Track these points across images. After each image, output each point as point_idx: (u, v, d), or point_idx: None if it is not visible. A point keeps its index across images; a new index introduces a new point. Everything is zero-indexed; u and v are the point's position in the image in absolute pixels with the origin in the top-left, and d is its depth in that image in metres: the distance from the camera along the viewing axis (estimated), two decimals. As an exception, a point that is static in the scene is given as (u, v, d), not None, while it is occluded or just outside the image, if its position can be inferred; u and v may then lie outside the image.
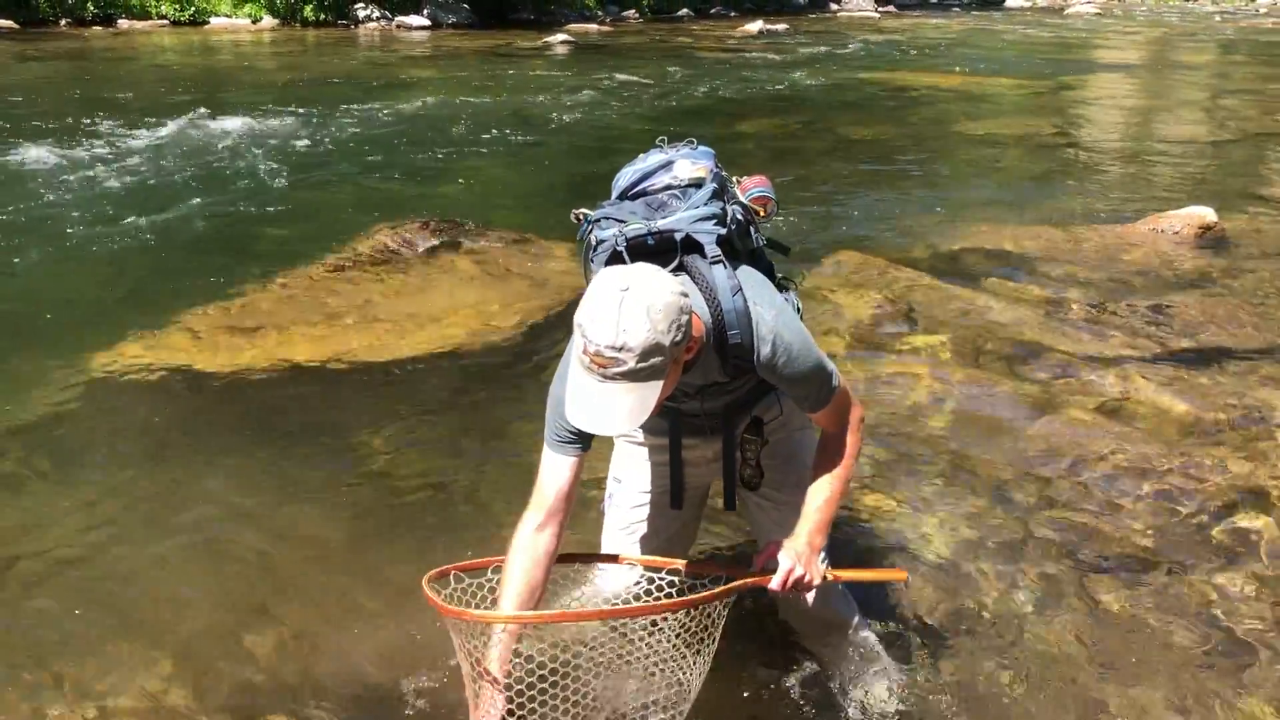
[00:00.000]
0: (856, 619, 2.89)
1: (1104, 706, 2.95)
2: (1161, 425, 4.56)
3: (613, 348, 2.02)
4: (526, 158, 11.02)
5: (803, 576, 2.35)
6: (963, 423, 4.60)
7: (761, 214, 2.62)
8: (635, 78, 17.45)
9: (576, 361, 2.10)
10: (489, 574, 2.43)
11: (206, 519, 3.84)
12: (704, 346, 2.28)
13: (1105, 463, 4.25)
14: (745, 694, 2.90)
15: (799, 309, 2.70)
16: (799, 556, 2.36)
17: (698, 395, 2.52)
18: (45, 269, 6.80)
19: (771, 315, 2.32)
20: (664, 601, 2.37)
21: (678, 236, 2.33)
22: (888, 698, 2.90)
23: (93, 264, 6.91)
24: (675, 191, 2.50)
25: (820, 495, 2.45)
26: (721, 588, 2.33)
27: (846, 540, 3.72)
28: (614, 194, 2.60)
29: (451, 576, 2.38)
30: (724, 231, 2.38)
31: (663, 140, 2.69)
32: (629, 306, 2.02)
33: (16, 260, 6.87)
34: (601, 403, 2.08)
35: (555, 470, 2.40)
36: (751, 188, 2.67)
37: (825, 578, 2.45)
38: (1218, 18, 45.65)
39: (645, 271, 2.12)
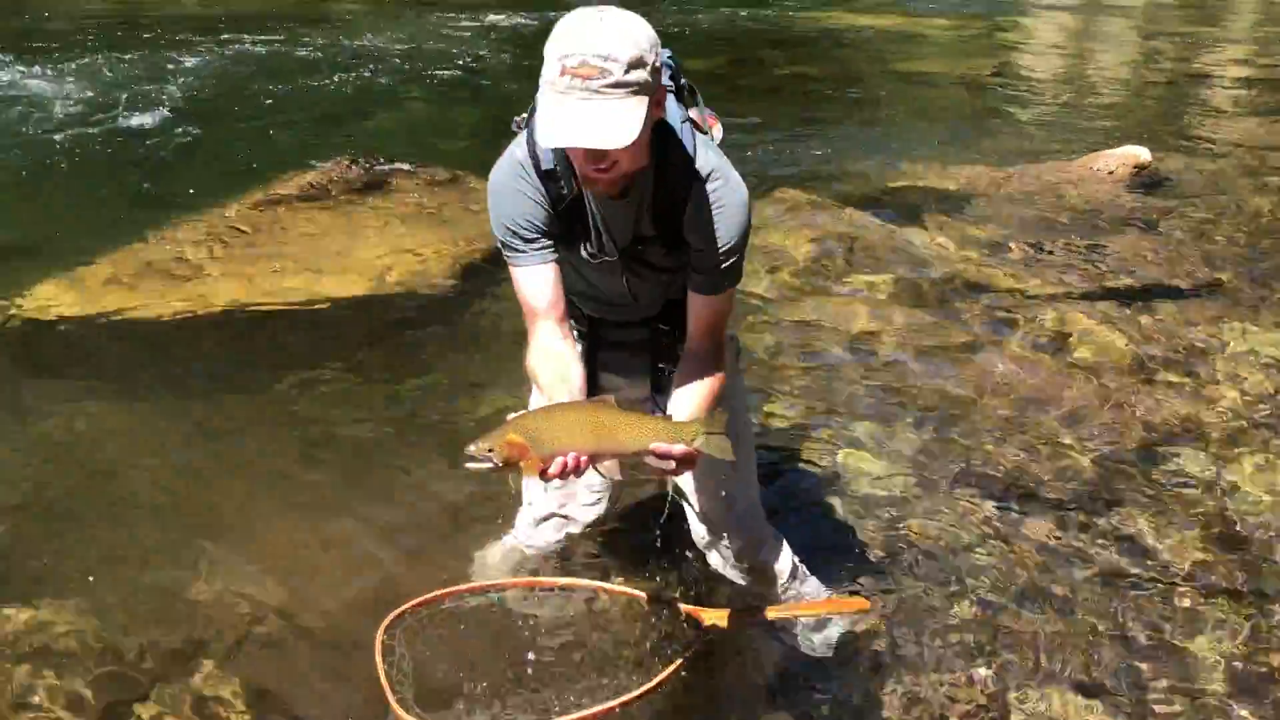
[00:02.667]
0: (790, 565, 2.80)
1: (1034, 640, 2.96)
2: (1100, 362, 4.57)
3: (599, 55, 1.93)
4: (457, 93, 10.73)
5: (670, 457, 2.11)
6: (902, 360, 4.56)
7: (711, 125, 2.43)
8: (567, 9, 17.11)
9: (550, 90, 1.97)
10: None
11: (126, 469, 3.70)
12: (646, 169, 2.17)
13: (1044, 399, 4.25)
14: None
15: None
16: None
17: (625, 272, 2.36)
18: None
19: (717, 157, 2.24)
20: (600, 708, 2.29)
21: None
22: (824, 647, 2.87)
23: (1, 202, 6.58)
24: None
25: (706, 399, 2.28)
26: (661, 677, 2.31)
27: (783, 470, 3.68)
28: None
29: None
30: (683, 82, 2.31)
31: None
32: (609, 22, 1.97)
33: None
34: (590, 117, 1.94)
35: (533, 281, 2.29)
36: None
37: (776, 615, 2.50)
38: (1149, -40, 46.01)
39: (617, 6, 2.05)
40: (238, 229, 5.99)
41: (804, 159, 8.21)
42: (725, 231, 2.22)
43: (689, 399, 2.26)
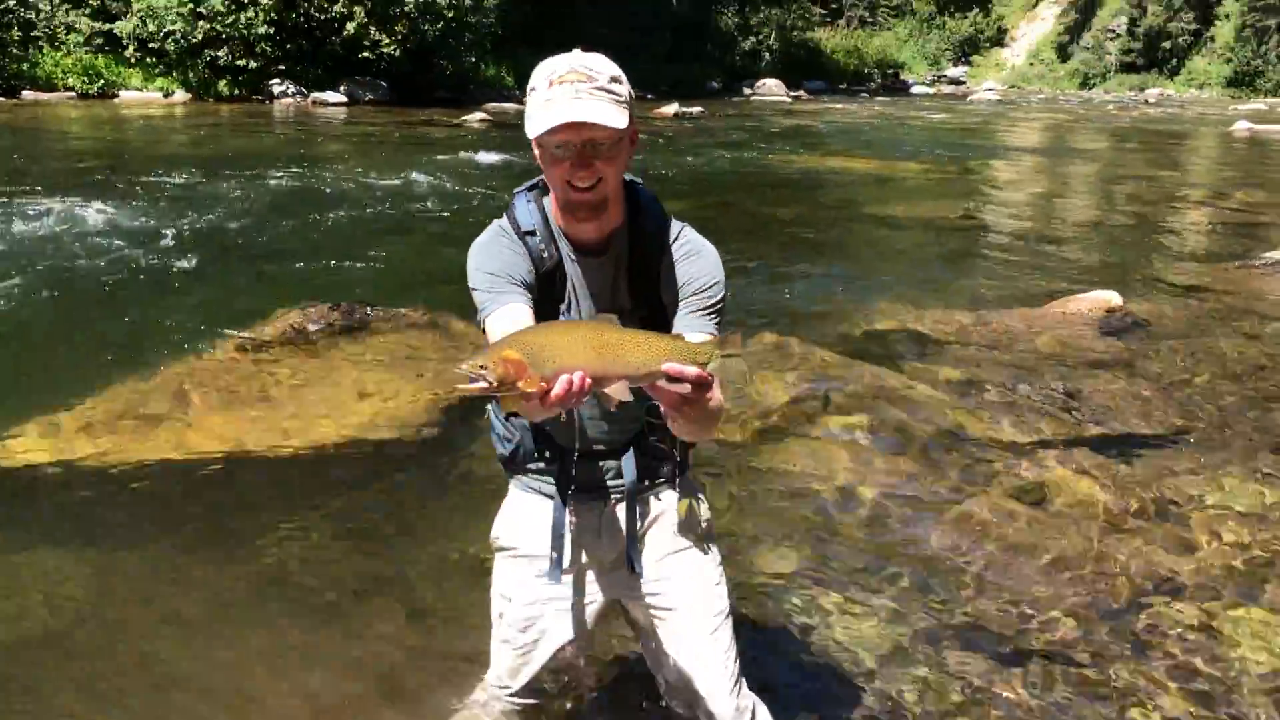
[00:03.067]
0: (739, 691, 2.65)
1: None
2: (1079, 512, 4.56)
3: (585, 66, 2.17)
4: (440, 237, 10.90)
5: (683, 379, 1.97)
6: (881, 508, 4.55)
7: None
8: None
9: (538, 98, 2.18)
10: None
11: (102, 621, 3.62)
12: (622, 226, 2.35)
13: (1023, 550, 4.22)
14: None
15: None
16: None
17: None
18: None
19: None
20: None
21: None
22: None
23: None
24: None
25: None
26: None
27: (764, 626, 3.61)
28: None
29: None
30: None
31: None
32: (587, 54, 2.22)
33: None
34: (581, 105, 2.14)
35: (514, 319, 2.22)
36: None
37: None
38: (1111, 106, 47.80)
39: None
40: (216, 374, 5.99)
41: (782, 301, 8.34)
42: (704, 269, 2.36)
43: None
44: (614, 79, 2.18)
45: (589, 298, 2.37)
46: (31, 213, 10.44)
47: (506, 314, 2.23)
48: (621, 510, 2.54)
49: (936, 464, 5.01)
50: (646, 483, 2.56)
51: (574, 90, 2.14)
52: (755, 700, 2.69)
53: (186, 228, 10.26)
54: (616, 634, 3.32)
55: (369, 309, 7.23)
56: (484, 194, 13.30)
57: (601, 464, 2.52)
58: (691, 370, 1.94)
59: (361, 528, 4.40)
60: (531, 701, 2.76)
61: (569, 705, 3.05)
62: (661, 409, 2.15)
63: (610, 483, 2.54)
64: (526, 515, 2.57)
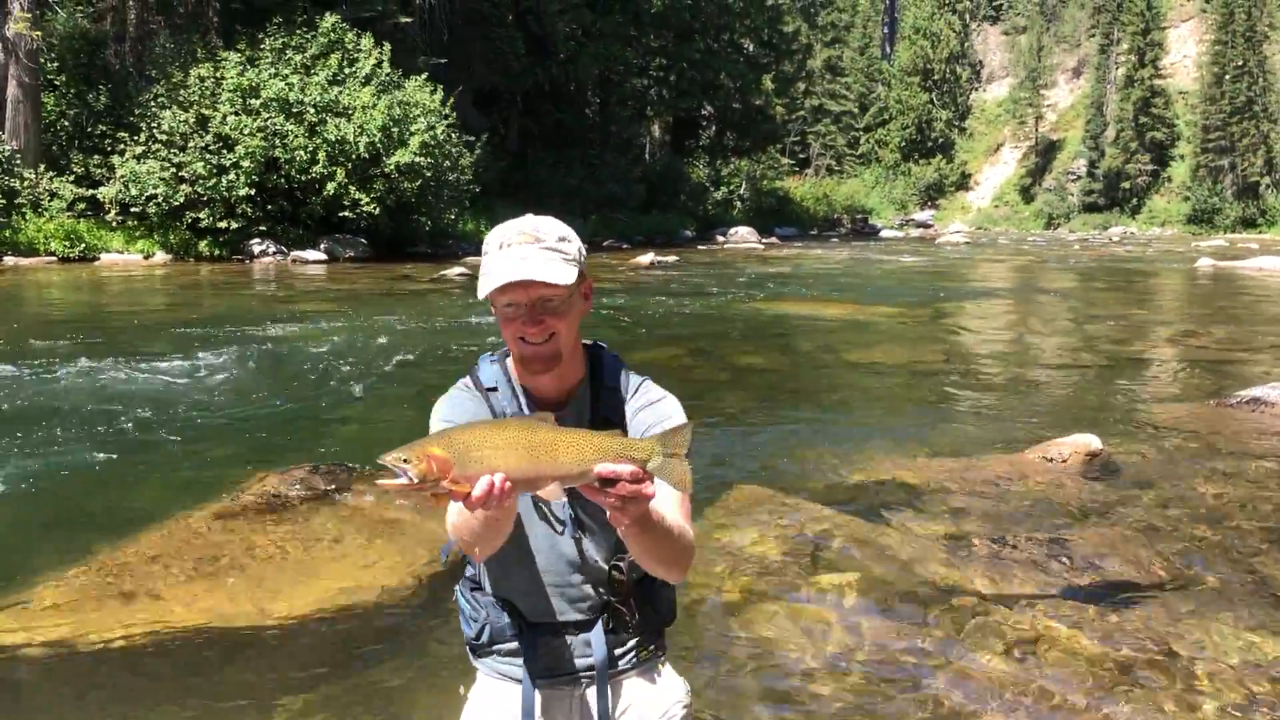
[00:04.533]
0: None
1: None
2: (1075, 666, 4.47)
3: (532, 229, 2.30)
4: (420, 395, 10.90)
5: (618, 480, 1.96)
6: (873, 673, 4.43)
7: None
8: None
9: (492, 258, 2.30)
10: None
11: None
12: (584, 380, 2.44)
13: (1019, 708, 4.11)
14: None
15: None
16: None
17: (570, 509, 2.38)
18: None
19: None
20: None
21: None
22: None
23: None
24: None
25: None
26: None
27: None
28: None
29: None
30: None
31: None
32: (538, 218, 2.36)
33: None
34: (529, 260, 2.25)
35: None
36: None
37: None
38: (1076, 245, 49.05)
39: None
40: (194, 543, 5.88)
41: (760, 452, 8.32)
42: (666, 413, 2.40)
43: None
44: (561, 239, 2.31)
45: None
46: (3, 380, 10.40)
47: None
48: (593, 694, 2.46)
49: (927, 621, 4.92)
50: (620, 663, 2.49)
51: (522, 252, 2.25)
52: None
53: (163, 392, 10.24)
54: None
55: (349, 469, 7.17)
56: (464, 347, 13.37)
57: (569, 640, 2.46)
58: (626, 468, 1.90)
59: (336, 706, 4.25)
60: None
61: None
62: (620, 533, 2.11)
63: (579, 661, 2.47)
64: (493, 704, 2.49)
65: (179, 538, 5.98)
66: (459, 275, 24.48)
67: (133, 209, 27.78)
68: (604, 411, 2.39)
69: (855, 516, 6.42)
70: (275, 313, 17.26)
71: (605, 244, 39.63)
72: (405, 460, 1.76)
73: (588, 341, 2.49)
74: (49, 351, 12.15)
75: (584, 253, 2.38)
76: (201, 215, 28.12)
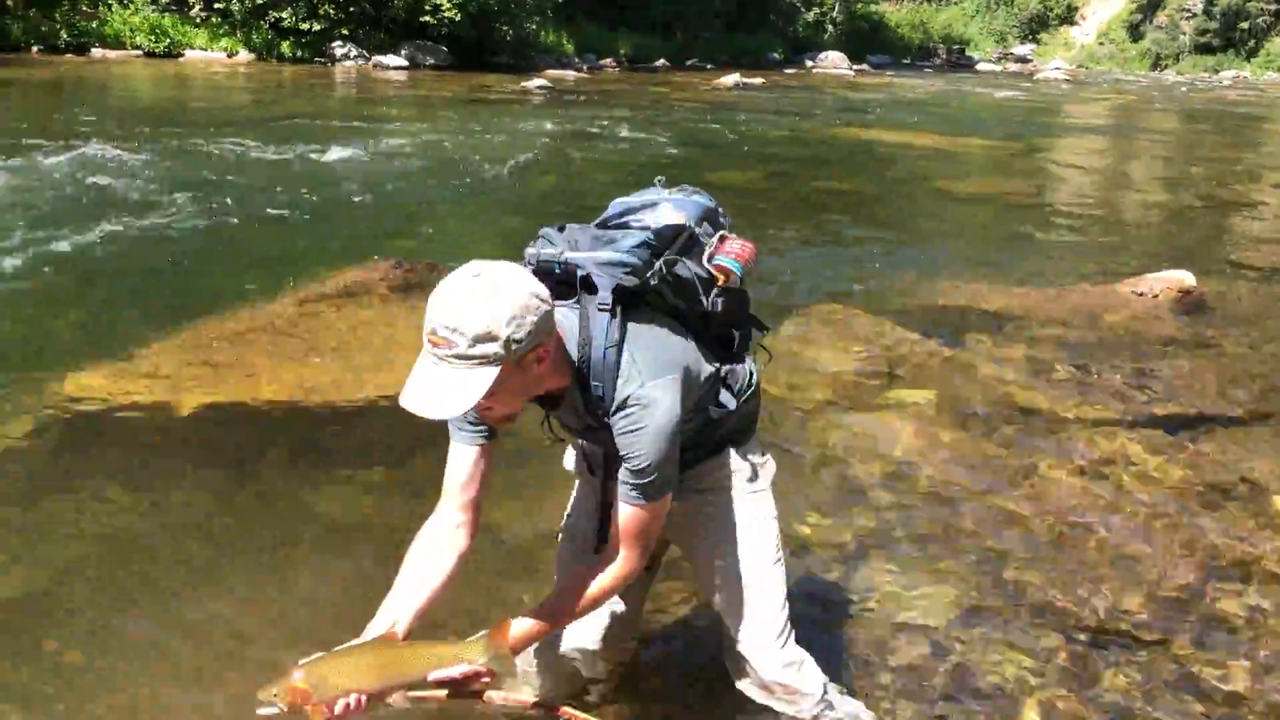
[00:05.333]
0: (819, 688, 2.64)
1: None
2: (1150, 490, 4.43)
3: (447, 327, 2.00)
4: (499, 201, 10.89)
5: (457, 680, 2.25)
6: (948, 482, 4.44)
7: (721, 280, 2.43)
8: (612, 125, 17.42)
9: (425, 343, 2.07)
10: None
11: (168, 564, 3.64)
12: (569, 387, 2.27)
13: (1093, 527, 4.10)
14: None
15: (753, 382, 2.57)
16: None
17: (581, 435, 2.44)
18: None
19: (646, 382, 2.20)
20: None
21: (579, 273, 2.26)
22: None
23: (48, 293, 6.67)
24: (645, 219, 2.43)
25: (550, 612, 2.37)
26: None
27: (821, 599, 3.54)
28: (596, 221, 2.52)
29: None
30: (634, 281, 2.25)
31: (660, 180, 2.61)
32: (474, 290, 2.02)
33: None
34: (428, 385, 2.04)
35: (455, 460, 2.38)
36: (721, 253, 2.48)
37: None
38: (1183, 87, 46.62)
39: (505, 267, 2.09)
40: (279, 325, 6.01)
41: (845, 273, 8.21)
42: (638, 447, 2.22)
43: (526, 619, 2.32)
44: (481, 337, 1.99)
45: (562, 419, 2.43)
46: (98, 166, 10.57)
47: (457, 451, 2.37)
48: None
49: (1004, 439, 4.90)
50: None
51: (424, 368, 2.05)
52: (804, 656, 2.63)
53: (251, 185, 10.33)
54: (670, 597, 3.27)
55: (430, 266, 7.22)
56: (542, 161, 13.26)
57: None
58: (458, 672, 2.20)
59: (410, 479, 4.38)
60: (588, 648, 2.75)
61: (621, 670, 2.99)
62: None
63: None
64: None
65: (264, 319, 6.11)
66: (539, 89, 24.07)
67: (216, 5, 27.54)
68: (595, 414, 2.29)
69: (934, 338, 6.35)
70: (357, 114, 17.21)
71: (689, 63, 38.61)
72: (275, 694, 2.07)
73: (575, 349, 2.24)
74: (139, 136, 12.28)
75: (525, 330, 2.03)
76: (284, 15, 27.81)
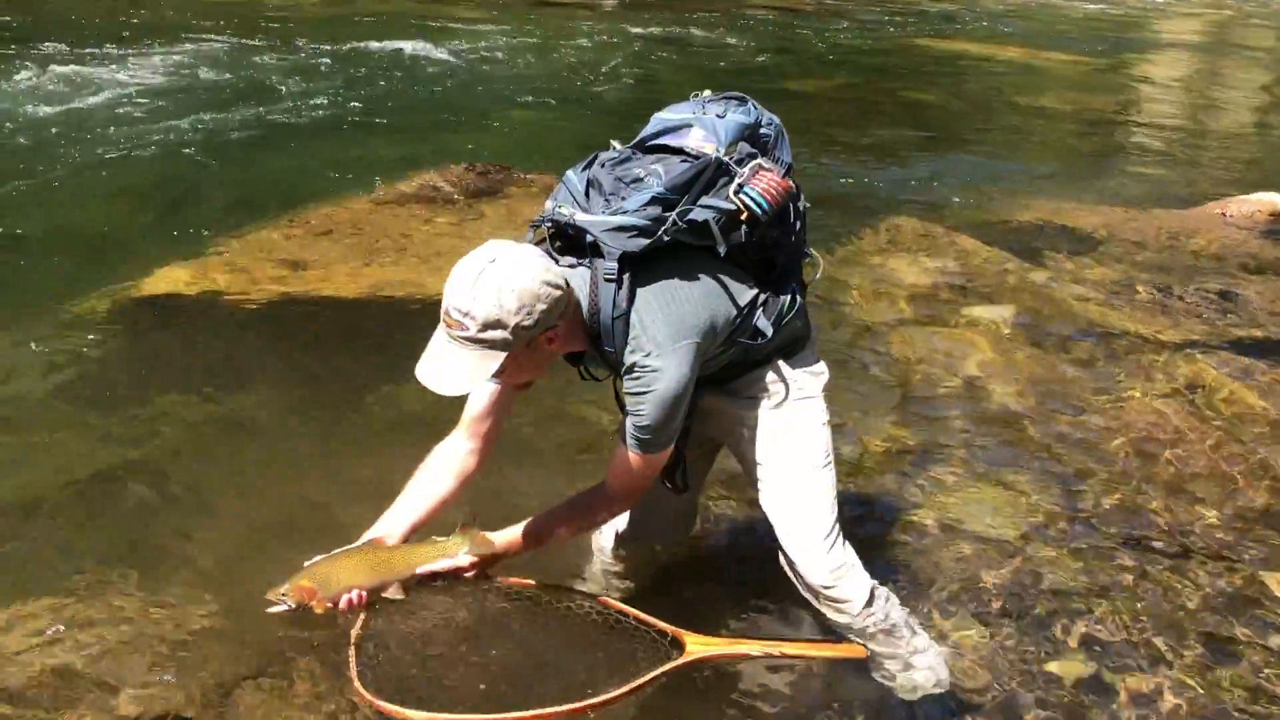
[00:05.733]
0: (866, 594, 2.63)
1: (1157, 701, 2.81)
2: (1233, 414, 4.36)
3: (459, 310, 2.10)
4: (571, 107, 10.78)
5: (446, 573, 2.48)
6: (1023, 398, 4.41)
7: (744, 216, 2.36)
8: (685, 33, 17.06)
9: (441, 319, 2.19)
10: None
11: (243, 451, 3.78)
12: (586, 350, 2.39)
13: (1174, 451, 4.05)
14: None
15: (795, 304, 2.54)
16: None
17: (616, 378, 2.48)
18: (78, 192, 6.67)
19: (653, 353, 2.25)
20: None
21: (588, 239, 2.29)
22: (907, 690, 2.73)
23: (126, 190, 6.80)
24: (658, 170, 2.34)
25: (537, 523, 2.51)
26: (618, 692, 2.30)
27: (884, 507, 3.57)
28: (636, 139, 2.52)
29: None
30: (644, 243, 2.26)
31: (697, 94, 2.59)
32: (487, 278, 2.10)
33: (55, 182, 6.74)
34: (440, 361, 2.16)
35: (476, 394, 2.47)
36: (751, 184, 2.37)
37: (762, 651, 2.58)
38: (1284, 3, 44.46)
39: (518, 251, 2.17)
40: (353, 224, 6.08)
41: (920, 186, 8.06)
42: (643, 412, 2.29)
43: (513, 527, 2.52)
44: (490, 324, 2.09)
45: (593, 363, 2.49)
46: (171, 66, 10.63)
47: (480, 387, 2.40)
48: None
49: (1082, 357, 4.83)
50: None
51: (438, 344, 2.18)
52: (851, 560, 2.64)
53: (323, 86, 10.33)
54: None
55: (504, 170, 7.22)
56: (614, 68, 13.08)
57: None
58: (444, 565, 2.45)
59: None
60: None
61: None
62: None
63: None
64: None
65: (341, 218, 6.19)
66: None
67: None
68: (616, 364, 2.33)
69: (1012, 255, 6.23)
70: (429, 16, 17.06)
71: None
72: (284, 593, 2.31)
73: (610, 270, 2.26)
74: (211, 40, 12.30)
75: (533, 316, 2.12)
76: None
